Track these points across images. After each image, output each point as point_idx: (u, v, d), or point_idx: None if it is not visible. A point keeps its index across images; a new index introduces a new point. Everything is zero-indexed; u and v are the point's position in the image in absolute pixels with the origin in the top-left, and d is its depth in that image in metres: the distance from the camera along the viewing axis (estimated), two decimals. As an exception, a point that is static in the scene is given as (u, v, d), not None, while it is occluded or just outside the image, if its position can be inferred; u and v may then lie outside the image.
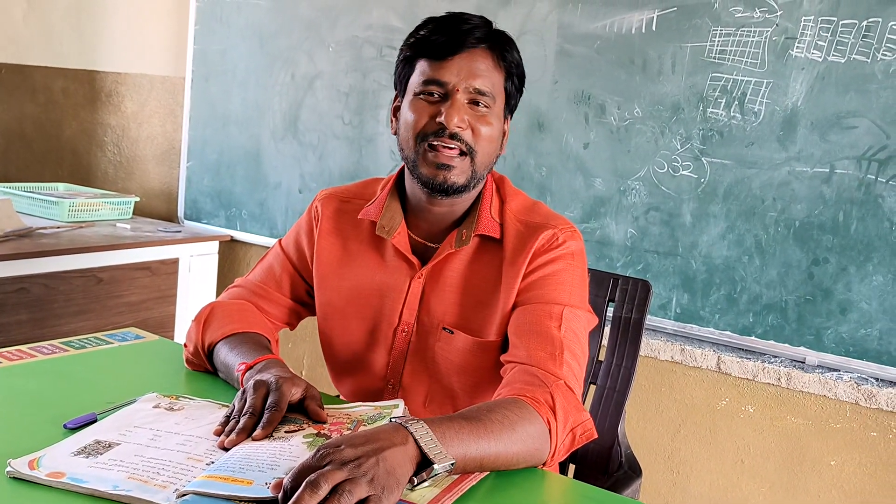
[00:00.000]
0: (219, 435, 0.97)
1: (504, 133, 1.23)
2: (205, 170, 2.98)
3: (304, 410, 1.03)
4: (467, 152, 1.15)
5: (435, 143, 1.14)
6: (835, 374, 1.88)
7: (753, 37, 1.90)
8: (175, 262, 2.69)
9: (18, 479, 0.85)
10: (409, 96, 1.18)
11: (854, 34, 1.79)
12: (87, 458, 0.90)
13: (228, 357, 1.18)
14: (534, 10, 2.21)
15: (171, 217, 3.14)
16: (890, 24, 1.75)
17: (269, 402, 0.99)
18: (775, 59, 1.88)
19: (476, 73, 1.14)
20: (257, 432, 0.95)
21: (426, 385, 1.25)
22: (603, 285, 1.45)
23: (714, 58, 1.96)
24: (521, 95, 1.24)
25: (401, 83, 1.21)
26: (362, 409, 1.08)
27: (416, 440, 0.86)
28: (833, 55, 1.82)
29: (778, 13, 1.87)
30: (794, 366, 1.92)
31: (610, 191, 2.12)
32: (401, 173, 1.28)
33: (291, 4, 2.72)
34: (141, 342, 1.40)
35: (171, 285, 2.69)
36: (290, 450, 0.92)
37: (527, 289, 1.17)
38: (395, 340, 1.25)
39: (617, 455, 1.39)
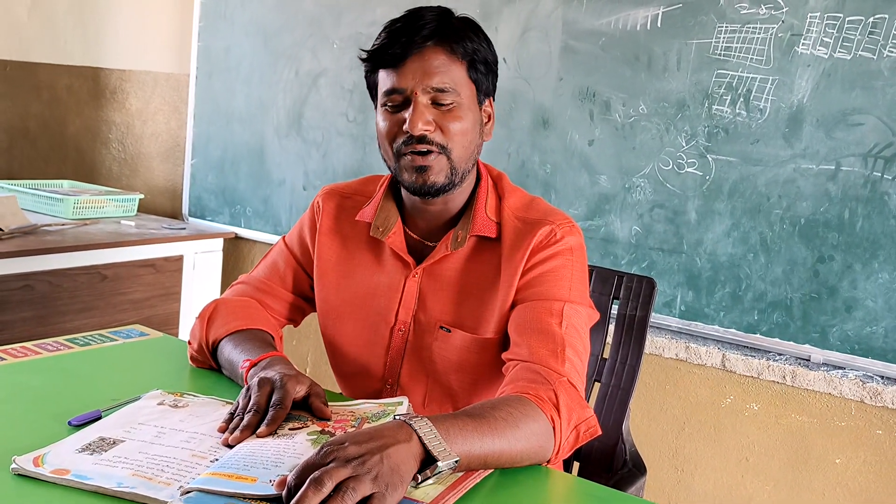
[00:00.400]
0: (223, 432, 0.97)
1: (489, 117, 1.22)
2: (209, 167, 2.98)
3: (309, 407, 1.03)
4: (441, 151, 1.14)
5: (406, 151, 1.14)
6: (840, 371, 1.87)
7: (759, 33, 1.90)
8: (179, 259, 2.69)
9: (23, 476, 0.85)
10: (378, 107, 1.18)
11: (860, 31, 1.78)
12: (92, 454, 0.90)
13: (232, 354, 1.18)
14: (539, 7, 2.21)
15: (175, 214, 3.15)
16: (896, 21, 1.74)
17: (273, 399, 0.99)
18: (781, 56, 1.88)
19: (430, 71, 1.12)
20: (261, 429, 0.95)
21: (424, 384, 1.25)
22: (607, 283, 1.44)
23: (719, 54, 1.95)
24: (494, 76, 1.21)
25: (371, 94, 1.21)
26: (366, 406, 1.08)
27: (419, 437, 0.86)
28: (839, 52, 1.81)
29: (784, 9, 1.86)
30: (799, 363, 1.92)
31: (615, 188, 2.12)
32: None
33: (295, 1, 2.71)
34: (145, 339, 1.40)
35: (176, 282, 2.69)
36: (294, 447, 0.92)
37: (526, 286, 1.16)
38: (392, 340, 1.25)
39: (621, 453, 1.39)
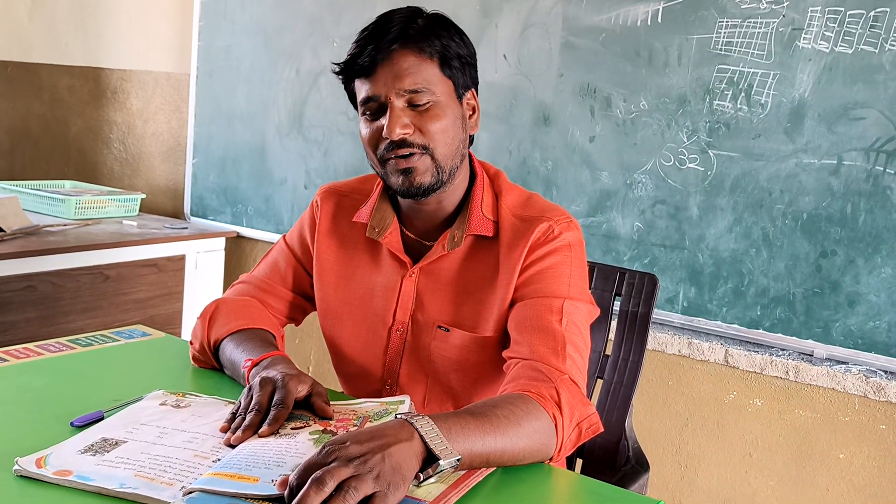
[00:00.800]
0: (225, 432, 0.97)
1: (474, 110, 1.21)
2: (210, 166, 2.98)
3: (311, 407, 1.03)
4: (424, 151, 1.13)
5: (388, 156, 1.14)
6: (843, 366, 1.87)
7: (760, 28, 1.89)
8: (181, 258, 2.69)
9: (26, 478, 0.85)
10: (359, 116, 1.18)
11: (861, 24, 1.77)
12: (94, 455, 0.90)
13: (234, 354, 1.18)
14: (539, 3, 2.20)
15: (177, 214, 3.15)
16: (898, 14, 1.74)
17: (275, 398, 0.99)
18: (782, 51, 1.87)
19: (400, 74, 1.11)
20: (263, 429, 0.95)
21: (424, 384, 1.25)
22: (609, 279, 1.44)
23: (720, 49, 1.94)
24: (472, 69, 1.20)
25: (352, 103, 1.21)
26: (368, 405, 1.08)
27: (421, 436, 0.85)
28: (840, 46, 1.80)
29: (784, 4, 1.86)
30: (803, 359, 1.92)
31: (616, 184, 2.12)
32: None
33: (295, 0, 2.71)
34: (147, 339, 1.40)
35: (178, 282, 2.69)
36: (296, 447, 0.92)
37: (525, 283, 1.16)
38: (391, 340, 1.25)
39: (624, 449, 1.39)
